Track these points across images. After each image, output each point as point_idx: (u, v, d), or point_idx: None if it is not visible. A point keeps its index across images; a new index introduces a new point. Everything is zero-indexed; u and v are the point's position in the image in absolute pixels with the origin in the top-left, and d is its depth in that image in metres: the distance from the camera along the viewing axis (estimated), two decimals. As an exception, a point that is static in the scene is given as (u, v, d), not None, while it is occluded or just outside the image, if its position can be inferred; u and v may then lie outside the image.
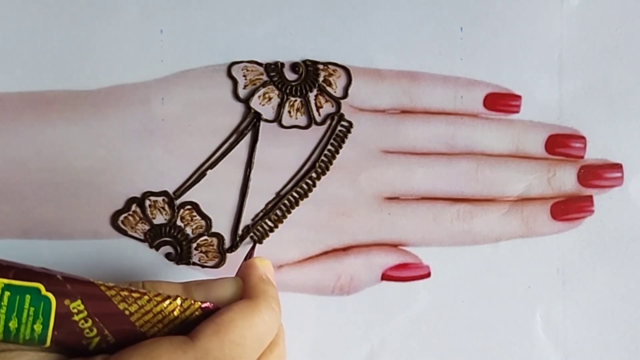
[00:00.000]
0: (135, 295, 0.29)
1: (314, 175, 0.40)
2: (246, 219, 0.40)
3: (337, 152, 0.40)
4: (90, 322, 0.29)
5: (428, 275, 0.40)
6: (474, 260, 0.40)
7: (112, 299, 0.29)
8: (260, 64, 0.40)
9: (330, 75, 0.40)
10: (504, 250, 0.41)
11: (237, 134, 0.40)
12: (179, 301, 0.30)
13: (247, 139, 0.40)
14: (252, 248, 0.39)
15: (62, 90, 0.39)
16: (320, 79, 0.40)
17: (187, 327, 0.30)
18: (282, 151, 0.40)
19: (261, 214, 0.40)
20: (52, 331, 0.28)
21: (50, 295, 0.28)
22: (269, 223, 0.40)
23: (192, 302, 0.30)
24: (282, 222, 0.40)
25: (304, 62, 0.40)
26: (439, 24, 0.40)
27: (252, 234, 0.40)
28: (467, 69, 0.40)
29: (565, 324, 0.41)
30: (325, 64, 0.40)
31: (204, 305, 0.31)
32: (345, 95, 0.40)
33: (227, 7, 0.40)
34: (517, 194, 0.41)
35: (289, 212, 0.40)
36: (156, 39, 0.40)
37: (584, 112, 0.41)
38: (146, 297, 0.29)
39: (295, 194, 0.40)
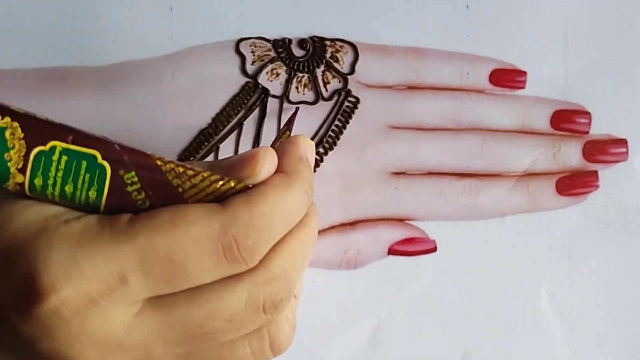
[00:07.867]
0: (189, 172, 0.29)
1: (321, 150, 0.40)
2: (254, 194, 0.40)
3: (344, 128, 0.40)
4: (143, 194, 0.28)
5: (434, 249, 0.41)
6: (479, 235, 0.41)
7: (166, 174, 0.28)
8: (268, 40, 0.41)
9: (338, 51, 0.41)
10: (510, 225, 0.41)
11: (245, 110, 0.40)
12: (232, 183, 0.29)
13: (254, 114, 0.40)
14: (294, 114, 0.38)
15: (74, 66, 0.40)
16: (328, 55, 0.41)
17: None
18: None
19: (269, 188, 0.40)
20: (106, 199, 0.28)
21: (105, 163, 0.28)
22: (277, 198, 0.40)
23: (245, 186, 0.29)
24: (289, 196, 0.40)
25: (312, 38, 0.41)
26: (445, 1, 0.41)
27: (260, 208, 0.40)
28: (473, 46, 0.41)
29: (571, 298, 0.41)
30: (333, 40, 0.41)
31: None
32: (352, 71, 0.41)
33: (236, -16, 0.40)
34: (523, 169, 0.41)
35: (297, 187, 0.40)
36: (166, 16, 0.40)
37: (589, 87, 0.41)
38: (200, 177, 0.29)
39: (302, 169, 0.40)
